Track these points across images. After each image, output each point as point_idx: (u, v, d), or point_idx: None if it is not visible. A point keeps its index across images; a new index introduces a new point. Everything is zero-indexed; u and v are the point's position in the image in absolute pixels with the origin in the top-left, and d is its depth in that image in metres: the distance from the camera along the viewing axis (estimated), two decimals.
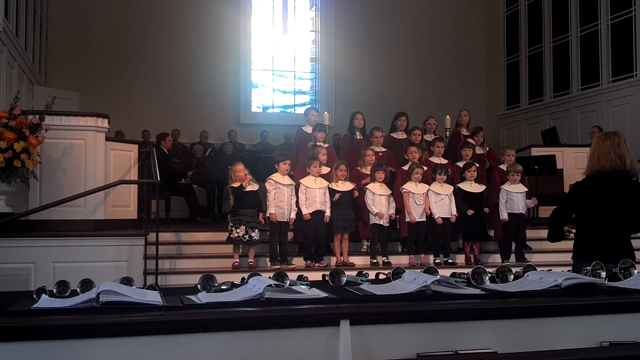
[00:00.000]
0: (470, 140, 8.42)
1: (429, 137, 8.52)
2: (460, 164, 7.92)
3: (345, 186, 7.26)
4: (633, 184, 3.89)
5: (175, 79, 13.01)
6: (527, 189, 7.71)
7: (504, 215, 7.56)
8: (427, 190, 7.44)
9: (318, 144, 7.74)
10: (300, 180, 7.18)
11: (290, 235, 7.41)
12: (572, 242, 4.09)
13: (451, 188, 7.51)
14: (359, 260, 7.41)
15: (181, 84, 13.02)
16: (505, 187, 7.64)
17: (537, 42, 13.56)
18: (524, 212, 7.66)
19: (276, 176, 7.09)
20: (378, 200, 7.29)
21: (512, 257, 7.64)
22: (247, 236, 6.82)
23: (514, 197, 7.58)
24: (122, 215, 7.46)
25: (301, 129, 8.26)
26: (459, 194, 7.55)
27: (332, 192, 7.21)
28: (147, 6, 12.97)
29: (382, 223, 7.26)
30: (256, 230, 6.90)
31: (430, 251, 7.63)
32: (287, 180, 7.11)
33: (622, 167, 3.83)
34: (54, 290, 2.56)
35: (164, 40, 13.03)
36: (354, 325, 2.27)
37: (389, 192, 7.37)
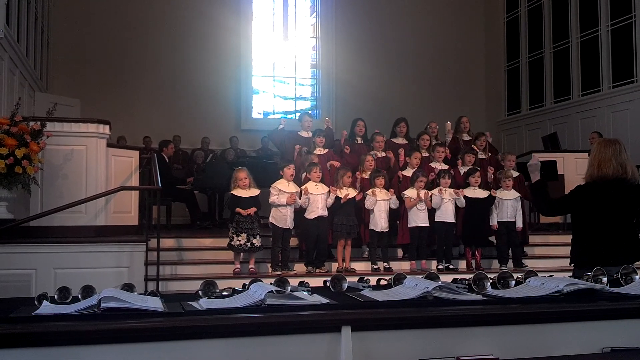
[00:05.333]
0: (474, 147, 8.43)
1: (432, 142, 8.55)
2: (461, 169, 7.95)
3: (349, 192, 7.26)
4: (633, 186, 3.90)
5: (177, 85, 13.03)
6: (519, 194, 7.64)
7: (492, 222, 7.54)
8: (430, 195, 7.42)
9: (317, 149, 7.81)
10: (301, 187, 7.18)
11: (294, 241, 7.40)
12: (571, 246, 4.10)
13: (454, 193, 7.49)
14: (360, 266, 7.40)
15: (182, 90, 13.04)
16: (497, 193, 7.60)
17: (538, 48, 13.58)
18: (514, 219, 7.55)
19: (280, 183, 7.08)
20: (378, 205, 7.29)
21: (511, 263, 7.63)
22: (248, 244, 6.81)
23: (505, 204, 7.55)
24: (123, 222, 7.47)
25: (297, 133, 8.33)
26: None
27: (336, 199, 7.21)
28: (148, 12, 13.00)
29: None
30: (257, 237, 6.88)
31: (432, 257, 7.62)
32: (291, 187, 7.09)
33: (623, 175, 3.84)
34: (55, 296, 2.57)
35: (164, 46, 13.06)
36: (356, 331, 2.27)
37: (388, 196, 7.37)
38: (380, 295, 2.62)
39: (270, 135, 9.26)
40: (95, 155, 7.14)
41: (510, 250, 7.64)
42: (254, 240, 6.83)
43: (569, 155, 10.21)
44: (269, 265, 7.14)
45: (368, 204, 7.29)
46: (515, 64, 14.34)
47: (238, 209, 6.83)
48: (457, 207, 7.49)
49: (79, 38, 12.64)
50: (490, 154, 8.71)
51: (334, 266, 7.28)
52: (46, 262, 6.27)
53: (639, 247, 3.90)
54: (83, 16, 12.67)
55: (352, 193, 7.24)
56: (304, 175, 7.44)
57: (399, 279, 2.94)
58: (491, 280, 2.86)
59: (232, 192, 7.00)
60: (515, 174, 7.98)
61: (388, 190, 7.40)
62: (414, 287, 2.62)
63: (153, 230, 7.00)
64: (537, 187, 4.15)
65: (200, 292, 2.66)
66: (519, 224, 7.59)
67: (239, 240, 6.79)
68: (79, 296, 2.53)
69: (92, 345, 2.09)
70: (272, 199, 7.02)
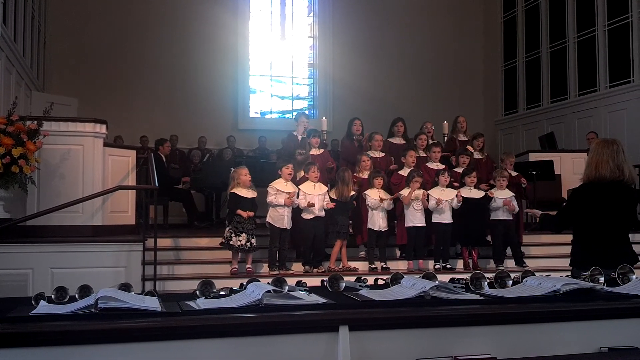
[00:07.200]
0: (469, 148, 8.44)
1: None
2: (457, 170, 7.96)
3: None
4: (629, 189, 3.91)
5: (174, 85, 13.02)
6: (513, 194, 7.63)
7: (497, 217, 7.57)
8: (428, 195, 7.42)
9: (312, 150, 7.82)
10: (299, 187, 7.18)
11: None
12: (571, 246, 4.11)
13: (454, 192, 7.48)
14: (357, 266, 7.39)
15: (179, 89, 13.03)
16: (493, 192, 7.62)
17: (535, 48, 13.60)
18: (511, 218, 7.57)
19: (278, 183, 7.07)
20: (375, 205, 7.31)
21: (507, 262, 7.63)
22: (248, 244, 6.81)
23: (499, 202, 7.54)
24: (120, 221, 7.45)
25: (292, 133, 8.33)
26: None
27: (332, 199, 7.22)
28: (145, 12, 12.99)
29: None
30: (255, 237, 6.89)
31: (429, 257, 7.62)
32: (289, 187, 7.08)
33: (620, 177, 3.84)
34: (53, 296, 2.56)
35: (162, 45, 13.04)
36: (353, 331, 2.27)
37: (387, 196, 7.37)
38: (377, 295, 2.62)
39: (283, 142, 9.23)
40: (92, 154, 7.13)
41: (509, 249, 7.65)
42: (253, 240, 6.85)
43: (565, 155, 10.24)
44: (266, 265, 7.13)
45: (370, 202, 7.30)
46: (512, 64, 14.36)
47: (239, 211, 6.83)
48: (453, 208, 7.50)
49: (76, 37, 12.61)
50: (487, 154, 8.75)
51: (333, 266, 7.28)
52: (43, 262, 6.26)
53: (633, 251, 3.92)
54: (80, 15, 12.64)
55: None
56: (298, 175, 7.44)
57: (396, 278, 2.94)
58: (488, 280, 2.87)
59: (232, 190, 6.98)
60: (514, 173, 8.03)
61: (387, 191, 7.42)
62: (411, 286, 2.62)
63: (150, 229, 6.98)
64: (542, 220, 4.35)
65: (197, 291, 2.66)
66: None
67: (240, 241, 6.79)
68: (76, 296, 2.53)
69: (90, 345, 2.08)
70: (270, 199, 7.01)
